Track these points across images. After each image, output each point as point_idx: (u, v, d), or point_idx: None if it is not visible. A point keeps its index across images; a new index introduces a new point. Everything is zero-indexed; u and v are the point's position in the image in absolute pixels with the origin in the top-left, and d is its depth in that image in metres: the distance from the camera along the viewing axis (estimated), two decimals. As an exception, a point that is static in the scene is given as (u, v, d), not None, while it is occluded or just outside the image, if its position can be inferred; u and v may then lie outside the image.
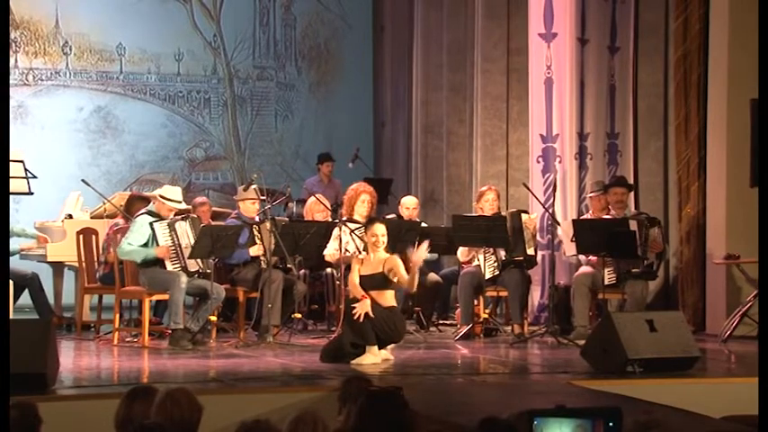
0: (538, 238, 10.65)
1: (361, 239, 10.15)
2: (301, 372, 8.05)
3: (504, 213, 10.34)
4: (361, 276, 8.61)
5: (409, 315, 10.84)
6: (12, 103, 13.24)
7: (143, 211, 9.62)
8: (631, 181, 11.13)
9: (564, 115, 11.22)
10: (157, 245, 9.39)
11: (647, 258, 9.94)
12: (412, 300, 10.79)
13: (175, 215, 9.63)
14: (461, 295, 10.25)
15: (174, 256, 9.41)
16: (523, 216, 10.27)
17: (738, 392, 6.94)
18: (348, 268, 10.14)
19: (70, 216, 11.18)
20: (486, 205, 10.41)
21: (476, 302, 10.27)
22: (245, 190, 10.20)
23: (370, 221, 9.03)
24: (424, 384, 7.49)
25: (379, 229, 8.71)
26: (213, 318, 9.57)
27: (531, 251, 10.27)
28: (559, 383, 7.39)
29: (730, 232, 10.21)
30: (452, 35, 13.14)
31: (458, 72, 13.05)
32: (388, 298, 8.62)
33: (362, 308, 8.40)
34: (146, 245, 9.41)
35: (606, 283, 9.91)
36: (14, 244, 10.75)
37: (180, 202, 9.64)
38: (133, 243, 9.41)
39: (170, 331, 9.37)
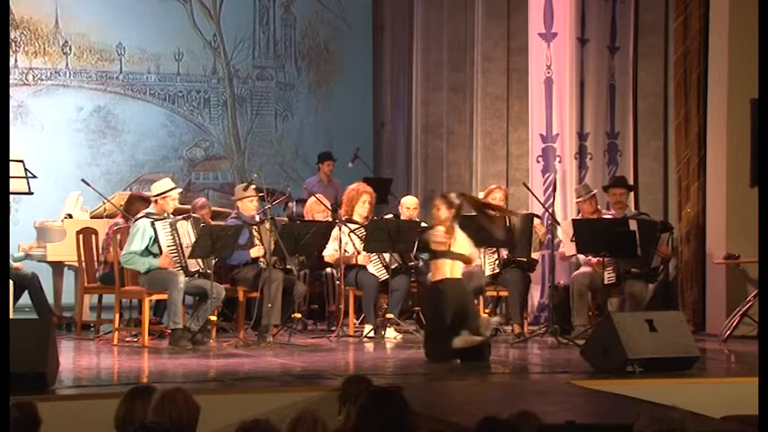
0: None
1: (361, 239, 10.17)
2: (301, 372, 8.05)
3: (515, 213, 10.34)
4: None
5: (409, 315, 10.85)
6: (12, 102, 13.24)
7: (141, 213, 9.59)
8: (631, 181, 11.13)
9: (564, 115, 11.22)
10: (159, 245, 9.38)
11: (650, 263, 9.93)
12: (412, 299, 10.80)
13: (175, 214, 9.63)
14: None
15: (175, 255, 9.41)
16: (535, 220, 10.28)
17: (738, 392, 6.94)
18: (348, 268, 10.18)
19: (70, 216, 11.17)
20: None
21: (476, 302, 10.26)
22: (244, 189, 10.19)
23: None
24: (424, 384, 7.49)
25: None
26: (213, 317, 9.56)
27: (535, 255, 10.28)
28: (559, 383, 7.38)
29: (730, 232, 10.21)
30: (452, 34, 13.14)
31: (458, 72, 13.05)
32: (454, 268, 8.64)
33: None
34: (147, 247, 9.40)
35: (606, 282, 9.92)
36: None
37: (174, 188, 9.64)
38: (135, 248, 9.38)
39: (170, 331, 9.37)
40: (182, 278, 9.29)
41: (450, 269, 8.61)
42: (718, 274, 10.35)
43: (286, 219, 11.30)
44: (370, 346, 9.73)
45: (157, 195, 9.56)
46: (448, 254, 8.59)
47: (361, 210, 10.38)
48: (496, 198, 10.44)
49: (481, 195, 10.91)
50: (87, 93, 14.32)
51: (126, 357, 8.87)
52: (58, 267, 11.13)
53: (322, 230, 10.12)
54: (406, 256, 10.35)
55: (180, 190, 9.84)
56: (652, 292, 10.49)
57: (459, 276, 8.67)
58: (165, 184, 9.67)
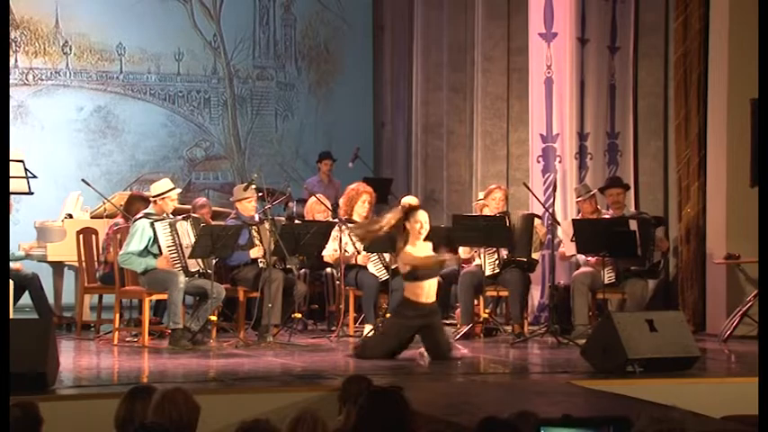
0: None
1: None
2: (301, 372, 8.05)
3: (512, 213, 10.32)
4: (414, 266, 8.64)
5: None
6: (12, 102, 13.24)
7: (141, 214, 9.60)
8: (632, 180, 11.14)
9: (564, 115, 11.22)
10: (159, 246, 9.38)
11: (650, 259, 9.94)
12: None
13: (175, 214, 9.63)
14: (461, 295, 10.25)
15: (175, 255, 9.41)
16: (536, 221, 10.28)
17: (738, 392, 6.94)
18: (348, 268, 10.17)
19: (70, 216, 11.18)
20: (493, 204, 10.41)
21: (476, 302, 10.27)
22: (244, 190, 10.19)
23: (412, 209, 8.83)
24: (424, 384, 7.49)
25: (423, 216, 8.70)
26: (213, 317, 9.56)
27: (535, 256, 10.28)
28: (559, 383, 7.39)
29: (730, 232, 10.21)
30: (453, 35, 13.14)
31: (458, 72, 13.05)
32: (434, 289, 8.75)
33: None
34: (146, 248, 9.41)
35: (606, 282, 9.91)
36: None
37: (173, 189, 9.64)
38: (133, 248, 9.38)
39: (170, 331, 9.37)
40: (182, 278, 9.29)
41: (425, 290, 8.69)
42: (718, 274, 10.35)
43: (284, 219, 11.29)
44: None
45: (156, 196, 9.56)
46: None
47: (361, 210, 10.37)
48: (497, 198, 10.44)
49: (481, 195, 10.93)
50: (87, 93, 14.33)
51: (126, 357, 8.87)
52: (58, 267, 11.13)
53: (322, 230, 10.11)
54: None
55: (179, 190, 9.84)
56: (652, 292, 10.49)
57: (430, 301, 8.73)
58: (164, 184, 9.67)
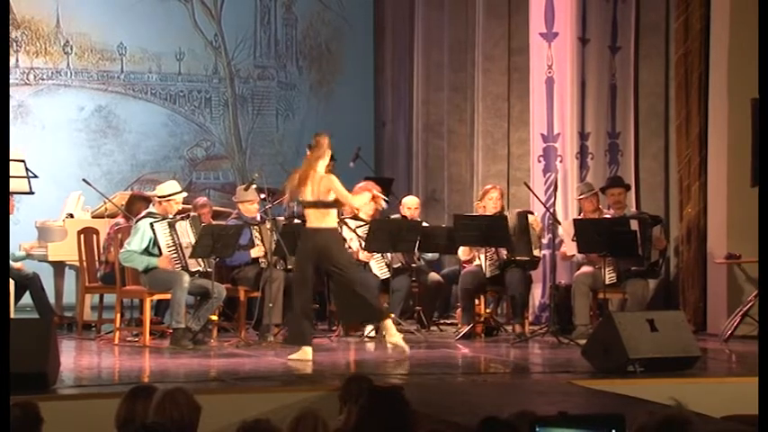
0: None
1: (363, 238, 10.15)
2: (302, 371, 8.05)
3: (507, 213, 10.33)
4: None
5: (410, 314, 10.85)
6: (12, 102, 13.24)
7: (144, 213, 9.60)
8: (633, 180, 11.14)
9: (565, 115, 11.22)
10: (159, 246, 9.38)
11: (649, 258, 9.94)
12: (413, 299, 10.81)
13: (176, 214, 9.63)
14: (462, 295, 10.26)
15: (175, 255, 9.41)
16: (530, 217, 10.28)
17: (739, 392, 6.94)
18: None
19: (71, 215, 11.18)
20: (490, 204, 10.41)
21: (477, 302, 10.27)
22: (245, 189, 10.20)
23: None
24: (424, 384, 7.49)
25: None
26: (214, 317, 9.57)
27: (536, 252, 10.27)
28: (560, 383, 7.39)
29: (731, 232, 10.21)
30: (453, 34, 13.14)
31: (459, 71, 13.05)
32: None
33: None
34: (147, 247, 9.41)
35: (607, 282, 9.91)
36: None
37: (180, 192, 9.64)
38: (135, 247, 9.38)
39: (171, 331, 9.37)
40: (186, 278, 9.29)
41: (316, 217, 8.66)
42: (719, 273, 10.36)
43: (284, 218, 11.30)
44: (370, 345, 9.73)
45: (162, 197, 9.55)
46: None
47: (367, 209, 10.37)
48: (493, 198, 10.44)
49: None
50: (88, 92, 14.32)
51: (127, 357, 8.88)
52: (59, 267, 11.13)
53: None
54: (409, 256, 10.36)
55: (185, 194, 9.84)
56: (653, 291, 10.49)
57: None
58: (170, 186, 9.65)
